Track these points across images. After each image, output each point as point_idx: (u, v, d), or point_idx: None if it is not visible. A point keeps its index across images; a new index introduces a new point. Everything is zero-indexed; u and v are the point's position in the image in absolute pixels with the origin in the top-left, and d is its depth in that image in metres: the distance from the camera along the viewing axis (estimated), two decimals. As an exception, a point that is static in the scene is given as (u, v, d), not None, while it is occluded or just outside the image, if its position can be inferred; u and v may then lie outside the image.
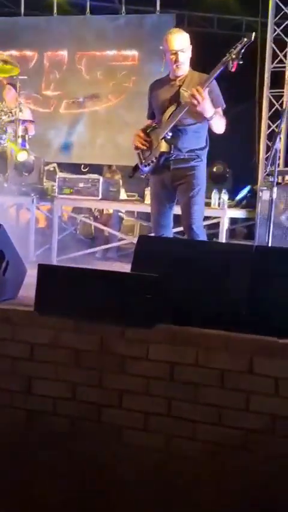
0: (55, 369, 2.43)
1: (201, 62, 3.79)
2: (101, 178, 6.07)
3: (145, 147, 3.73)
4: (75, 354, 2.40)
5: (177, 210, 3.87)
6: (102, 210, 7.26)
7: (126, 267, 2.81)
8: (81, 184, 6.06)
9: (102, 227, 6.85)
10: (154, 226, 3.84)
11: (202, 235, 3.61)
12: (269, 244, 3.63)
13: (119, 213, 7.18)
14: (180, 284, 2.47)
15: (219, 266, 2.49)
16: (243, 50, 3.38)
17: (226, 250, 2.64)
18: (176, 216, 3.93)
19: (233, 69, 3.35)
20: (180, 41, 3.61)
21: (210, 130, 3.74)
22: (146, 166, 3.76)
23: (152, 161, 3.70)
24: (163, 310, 2.39)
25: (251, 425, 2.19)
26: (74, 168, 7.90)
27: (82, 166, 8.42)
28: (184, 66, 3.64)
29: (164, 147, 3.65)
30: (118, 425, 2.35)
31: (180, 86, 3.65)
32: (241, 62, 3.40)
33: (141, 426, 2.33)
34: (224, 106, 3.68)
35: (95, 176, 6.19)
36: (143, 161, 3.77)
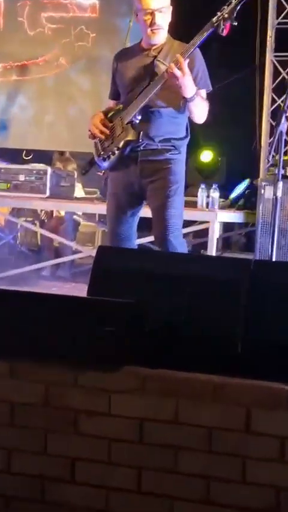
0: (-18, 429, 2.40)
1: (184, 24, 3.83)
2: (49, 169, 6.08)
3: (104, 136, 3.73)
4: (10, 409, 2.37)
5: (146, 212, 3.87)
6: (52, 212, 7.25)
7: (82, 289, 2.82)
8: (22, 177, 6.06)
9: (50, 235, 6.84)
10: (110, 237, 3.83)
11: (181, 248, 3.62)
12: (273, 258, 3.66)
13: (74, 216, 7.18)
14: (154, 312, 2.47)
15: (207, 288, 2.50)
16: (238, 7, 3.44)
17: (216, 267, 2.66)
18: (144, 221, 3.93)
19: (225, 33, 3.41)
20: None
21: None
22: (105, 159, 3.75)
23: (113, 153, 3.70)
24: (130, 348, 2.39)
25: (249, 501, 2.19)
26: (13, 155, 7.89)
27: (24, 152, 8.40)
28: (162, 32, 3.69)
29: (130, 134, 3.66)
30: (70, 506, 2.32)
31: (155, 57, 3.68)
32: (235, 23, 3.46)
33: (101, 506, 2.31)
34: (210, 89, 3.72)
35: (41, 166, 6.18)
36: (102, 153, 3.76)
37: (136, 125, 3.66)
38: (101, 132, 3.74)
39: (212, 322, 2.45)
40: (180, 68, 3.43)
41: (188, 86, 3.48)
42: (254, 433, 2.21)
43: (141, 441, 2.30)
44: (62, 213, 7.13)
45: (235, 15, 3.45)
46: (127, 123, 3.67)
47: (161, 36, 3.69)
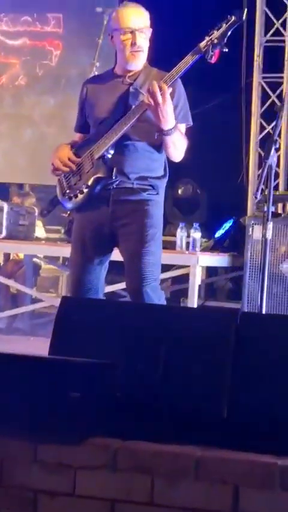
0: None
1: (160, 33, 3.88)
2: (6, 206, 6.10)
3: (71, 171, 3.73)
4: None
5: (118, 254, 3.87)
6: (8, 254, 7.25)
7: (44, 343, 2.81)
8: (-27, 215, 6.06)
9: (7, 282, 6.84)
10: (74, 288, 3.80)
11: (159, 302, 3.61)
12: (263, 309, 3.68)
13: (35, 259, 7.19)
14: (126, 373, 2.47)
15: (186, 345, 2.51)
16: (229, 33, 3.49)
17: (197, 321, 2.66)
18: (115, 264, 3.92)
19: (214, 60, 3.45)
20: (140, 17, 3.69)
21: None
22: (70, 198, 3.75)
23: (81, 191, 3.69)
24: (99, 416, 2.38)
25: None
26: None
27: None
28: (142, 55, 3.70)
29: (101, 170, 3.66)
30: None
31: (130, 85, 3.72)
32: (226, 50, 3.51)
33: None
34: (191, 123, 3.76)
35: (-4, 202, 6.20)
36: (67, 191, 3.76)
37: (108, 160, 3.67)
38: (67, 167, 3.74)
39: (193, 385, 2.45)
40: (162, 95, 3.45)
41: (168, 117, 3.49)
42: (242, 514, 2.20)
43: (112, 526, 2.29)
44: (21, 256, 7.12)
45: (226, 40, 3.49)
46: (98, 158, 3.67)
47: (140, 60, 3.71)
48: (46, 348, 2.73)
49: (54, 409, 2.34)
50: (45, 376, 2.39)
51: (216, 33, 3.48)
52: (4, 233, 5.99)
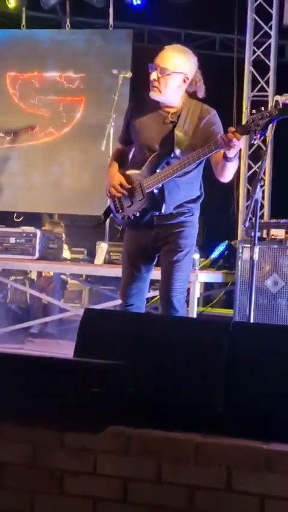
0: None
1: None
2: (39, 232, 6.09)
3: (123, 195, 3.73)
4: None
5: (154, 275, 3.85)
6: (41, 272, 7.24)
7: (70, 346, 2.79)
8: (12, 240, 6.06)
9: (39, 295, 6.82)
10: (122, 292, 3.80)
11: (182, 310, 3.60)
12: (251, 319, 3.65)
13: (62, 276, 7.18)
14: (137, 373, 2.45)
15: (187, 349, 2.49)
16: (270, 124, 3.42)
17: (197, 330, 2.65)
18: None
19: (256, 141, 3.40)
20: (169, 58, 3.57)
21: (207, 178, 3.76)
22: (123, 218, 3.75)
23: (134, 215, 3.70)
24: (115, 409, 2.36)
25: None
26: (4, 217, 7.91)
27: (14, 215, 8.44)
28: (166, 92, 3.59)
29: (149, 203, 3.66)
30: None
31: (174, 125, 3.63)
32: (267, 135, 3.44)
33: None
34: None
35: (31, 229, 6.19)
36: (120, 211, 3.76)
37: (156, 195, 3.66)
38: (121, 194, 3.74)
39: (193, 384, 2.43)
40: (237, 139, 3.37)
41: (236, 150, 3.46)
42: (235, 492, 2.17)
43: (125, 500, 2.26)
44: (51, 273, 7.12)
45: (267, 129, 3.43)
46: (148, 192, 3.67)
47: (155, 94, 3.58)
48: (71, 350, 2.72)
49: (77, 402, 2.33)
50: (71, 374, 2.37)
51: (259, 121, 3.38)
52: (37, 255, 5.98)
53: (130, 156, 3.90)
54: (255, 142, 3.37)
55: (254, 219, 3.81)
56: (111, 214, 3.87)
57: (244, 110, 7.24)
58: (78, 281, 7.57)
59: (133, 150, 3.86)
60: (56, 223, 7.70)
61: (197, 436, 2.28)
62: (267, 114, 3.40)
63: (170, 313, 3.57)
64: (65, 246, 7.19)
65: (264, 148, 6.15)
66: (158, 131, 3.65)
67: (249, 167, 7.23)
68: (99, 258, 5.79)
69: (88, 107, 8.20)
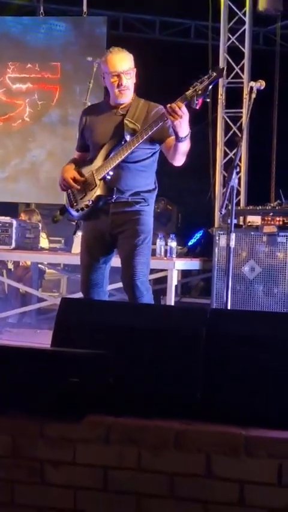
0: None
1: (142, 75, 3.88)
2: (15, 222, 6.05)
3: (77, 188, 3.77)
4: (-22, 461, 2.32)
5: (115, 262, 3.89)
6: (18, 261, 7.21)
7: (48, 335, 2.78)
8: (-12, 230, 6.02)
9: (16, 285, 6.79)
10: (83, 285, 3.84)
11: (147, 293, 3.64)
12: (228, 305, 3.67)
13: (40, 265, 7.14)
14: (115, 362, 2.45)
15: (165, 338, 2.49)
16: (210, 87, 3.48)
17: (174, 317, 2.64)
18: (114, 269, 3.94)
19: (198, 107, 3.43)
20: (125, 61, 3.72)
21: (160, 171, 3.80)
22: (77, 210, 3.80)
23: (87, 206, 3.75)
24: (95, 398, 2.35)
25: None
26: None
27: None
28: (128, 92, 3.75)
29: (103, 189, 3.71)
30: None
31: (123, 116, 3.74)
32: (208, 100, 3.50)
33: None
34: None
35: (6, 219, 6.16)
36: (75, 204, 3.81)
37: (108, 181, 3.71)
38: (75, 186, 3.78)
39: (172, 371, 2.43)
40: (180, 108, 3.43)
41: (185, 127, 3.50)
42: (214, 478, 2.18)
43: (106, 489, 2.26)
44: (28, 263, 7.08)
45: (208, 92, 3.48)
46: (100, 179, 3.71)
47: (127, 96, 3.76)
48: (50, 339, 2.71)
49: (57, 392, 2.32)
50: (49, 364, 2.37)
51: (199, 86, 3.46)
52: (14, 245, 5.96)
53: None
54: (197, 107, 3.40)
55: (230, 205, 3.83)
56: (68, 209, 3.90)
57: (219, 97, 7.24)
58: (56, 270, 7.54)
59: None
60: (32, 212, 7.66)
61: (176, 423, 2.28)
62: (206, 78, 3.48)
63: (136, 297, 3.61)
64: (43, 235, 7.16)
65: (239, 135, 6.16)
66: (109, 125, 3.77)
67: (225, 154, 7.24)
68: (76, 247, 5.77)
69: (63, 95, 8.15)
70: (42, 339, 5.47)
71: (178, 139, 3.53)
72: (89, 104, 6.21)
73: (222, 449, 2.19)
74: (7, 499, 2.30)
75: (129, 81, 3.72)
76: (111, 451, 2.27)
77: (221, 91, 7.23)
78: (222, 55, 7.27)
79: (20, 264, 7.27)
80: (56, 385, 2.32)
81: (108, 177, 3.70)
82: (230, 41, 7.24)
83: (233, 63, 7.25)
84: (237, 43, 7.21)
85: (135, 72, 3.76)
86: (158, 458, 2.23)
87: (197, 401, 2.37)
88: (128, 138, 3.66)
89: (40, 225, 6.71)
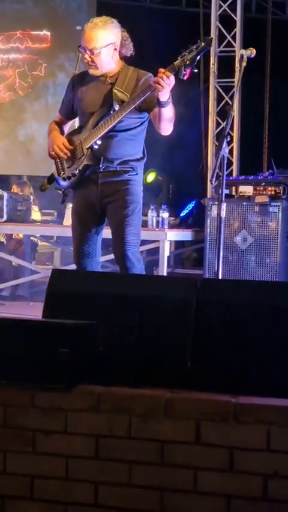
0: None
1: (133, 44, 3.84)
2: (6, 194, 6.04)
3: (66, 156, 3.76)
4: None
5: (106, 233, 3.90)
6: (11, 234, 7.20)
7: (41, 307, 2.80)
8: (-21, 203, 6.00)
9: (9, 257, 6.79)
10: (75, 255, 3.85)
11: (138, 264, 3.65)
12: (219, 274, 3.68)
13: (32, 238, 7.15)
14: (106, 331, 2.46)
15: (155, 307, 2.51)
16: (198, 57, 3.45)
17: (165, 287, 2.65)
18: (105, 241, 3.95)
19: (186, 78, 3.42)
20: (94, 40, 3.67)
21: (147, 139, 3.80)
22: (65, 179, 3.78)
23: (74, 174, 3.73)
24: (85, 368, 2.37)
25: (200, 511, 2.19)
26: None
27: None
28: (103, 66, 3.71)
29: (90, 158, 3.70)
30: (29, 522, 2.30)
31: (112, 85, 3.71)
32: (195, 70, 3.49)
33: (60, 521, 2.29)
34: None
35: (-3, 191, 6.14)
36: (62, 173, 3.79)
37: (96, 150, 3.70)
38: (64, 154, 3.77)
39: (162, 340, 2.46)
40: (168, 77, 3.42)
41: (167, 91, 3.48)
42: (204, 444, 2.21)
43: (97, 457, 2.29)
44: (21, 235, 7.08)
45: (196, 62, 3.46)
46: (87, 148, 3.70)
47: (94, 71, 3.73)
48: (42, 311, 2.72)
49: (47, 362, 2.34)
50: (40, 335, 2.38)
51: (187, 56, 3.44)
52: (5, 217, 5.95)
53: (66, 129, 3.99)
54: (185, 78, 3.39)
55: (221, 175, 3.83)
56: (55, 178, 3.89)
57: (211, 66, 7.18)
58: (48, 243, 7.55)
59: (70, 123, 3.98)
60: (23, 184, 7.64)
61: (166, 391, 2.30)
62: (195, 48, 3.46)
63: (127, 267, 3.62)
64: (35, 208, 7.15)
65: (230, 103, 6.13)
66: (98, 94, 3.76)
67: (218, 124, 7.21)
68: (68, 219, 5.77)
69: (53, 65, 8.09)
70: (35, 311, 5.49)
71: (160, 104, 3.52)
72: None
73: (212, 417, 2.21)
74: (0, 468, 2.33)
75: (97, 58, 3.68)
76: (102, 420, 2.29)
77: (213, 60, 7.18)
78: (214, 23, 7.20)
79: (13, 236, 7.27)
80: (46, 355, 2.33)
81: (96, 146, 3.69)
82: (222, 9, 7.18)
83: (224, 32, 7.19)
84: (229, 11, 7.14)
85: (114, 45, 3.70)
86: (148, 426, 2.25)
87: (187, 370, 2.39)
88: (116, 107, 3.65)
89: (32, 197, 6.70)
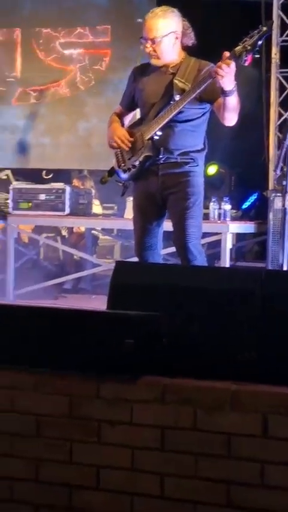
0: (9, 441, 2.39)
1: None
2: (68, 188, 6.09)
3: (126, 148, 3.76)
4: (36, 421, 2.37)
5: (167, 226, 3.89)
6: (72, 228, 7.28)
7: (103, 300, 2.82)
8: (42, 197, 6.08)
9: (71, 250, 6.86)
10: (137, 248, 3.86)
11: (200, 256, 3.64)
12: (284, 266, 3.63)
13: (93, 231, 7.20)
14: (171, 323, 2.46)
15: (220, 299, 2.49)
16: (260, 42, 3.42)
17: (229, 279, 2.63)
18: (166, 234, 3.95)
19: (247, 63, 3.39)
20: (156, 28, 3.67)
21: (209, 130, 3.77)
22: (125, 171, 3.79)
23: (134, 166, 3.74)
24: (150, 359, 2.37)
25: (268, 505, 2.16)
26: (33, 175, 7.92)
27: (44, 172, 8.44)
28: (157, 59, 3.70)
29: (150, 149, 3.69)
30: (95, 512, 2.32)
31: (173, 75, 3.69)
32: (257, 56, 3.46)
33: (126, 511, 2.30)
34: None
35: (60, 185, 6.20)
36: (122, 165, 3.80)
37: (156, 141, 3.69)
38: (125, 145, 3.78)
39: (228, 332, 2.44)
40: (228, 65, 3.40)
41: (230, 80, 3.46)
42: (271, 438, 2.18)
43: (163, 448, 2.29)
44: (82, 229, 7.15)
45: (258, 47, 3.43)
46: (148, 139, 3.70)
47: (156, 61, 3.73)
48: (104, 304, 2.74)
49: (113, 353, 2.35)
50: (105, 326, 2.39)
51: (249, 41, 3.42)
52: (67, 211, 6.01)
53: (127, 122, 3.99)
54: (246, 63, 3.35)
55: (285, 167, 3.77)
56: (116, 171, 3.90)
57: (273, 55, 7.08)
58: (109, 236, 7.59)
59: (131, 115, 4.00)
60: (84, 177, 7.70)
61: (232, 383, 2.28)
62: (256, 33, 3.44)
63: (188, 260, 3.61)
64: (97, 202, 7.20)
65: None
66: (159, 84, 3.76)
67: (280, 115, 7.09)
68: (129, 212, 5.79)
69: (114, 59, 8.11)
70: (97, 304, 5.54)
71: (224, 93, 3.49)
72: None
73: (279, 410, 2.18)
74: (66, 458, 2.35)
75: (157, 48, 3.67)
76: (167, 411, 2.28)
77: (275, 50, 7.06)
78: (276, 12, 7.07)
79: (74, 230, 7.34)
80: (112, 346, 2.34)
81: (156, 137, 3.69)
82: (284, -2, 7.06)
83: (286, 20, 7.06)
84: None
85: (175, 34, 3.69)
86: (214, 419, 2.24)
87: (252, 362, 2.36)
88: (177, 97, 3.64)
89: (93, 191, 6.75)
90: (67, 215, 6.03)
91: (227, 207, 5.75)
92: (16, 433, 2.38)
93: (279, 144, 6.59)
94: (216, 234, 5.67)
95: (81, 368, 2.36)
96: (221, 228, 5.59)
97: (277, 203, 5.44)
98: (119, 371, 2.33)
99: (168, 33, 3.67)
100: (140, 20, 6.44)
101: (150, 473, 2.29)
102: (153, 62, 3.73)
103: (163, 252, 4.27)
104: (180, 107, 3.61)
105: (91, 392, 2.34)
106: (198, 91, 3.55)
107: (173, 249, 4.14)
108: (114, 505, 2.31)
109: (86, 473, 2.34)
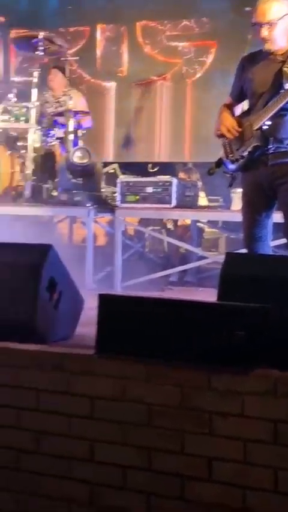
0: (122, 430, 2.42)
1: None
2: (174, 180, 6.09)
3: (232, 136, 3.73)
4: (148, 411, 2.39)
5: (277, 217, 3.82)
6: (177, 220, 7.28)
7: (210, 293, 2.81)
8: (149, 189, 6.10)
9: (177, 243, 6.86)
10: (246, 239, 3.80)
11: None
12: None
13: (198, 224, 7.17)
14: (282, 316, 2.42)
15: None
16: None
17: None
18: (276, 225, 3.87)
19: None
20: (267, 12, 3.61)
21: None
22: (233, 162, 3.75)
23: (243, 156, 3.69)
24: (260, 351, 2.34)
25: None
26: (139, 168, 7.97)
27: (149, 165, 8.49)
28: (270, 43, 3.63)
29: (260, 139, 3.64)
30: (206, 505, 2.30)
31: (283, 63, 3.64)
32: None
33: (238, 505, 2.28)
34: None
35: (166, 178, 6.20)
36: (230, 155, 3.76)
37: (265, 131, 3.65)
38: (232, 134, 3.74)
39: None
40: None
41: None
42: None
43: (276, 442, 2.25)
44: (188, 221, 7.13)
45: None
46: (257, 129, 3.66)
47: (271, 46, 3.66)
48: (211, 297, 2.72)
49: (224, 345, 2.33)
50: (217, 317, 2.38)
51: None
52: (174, 203, 6.00)
53: (237, 113, 3.91)
54: None
55: None
56: (223, 161, 3.85)
57: None
58: (215, 228, 7.53)
59: (241, 106, 3.92)
60: (190, 170, 7.68)
61: None
62: None
63: None
64: (202, 194, 7.16)
65: None
66: (268, 73, 3.68)
67: None
68: (236, 203, 5.72)
69: (220, 50, 8.04)
70: (204, 296, 5.50)
71: None
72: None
73: None
74: (178, 448, 2.36)
75: (272, 32, 3.61)
76: (279, 405, 2.25)
77: None
78: None
79: (179, 223, 7.34)
80: (223, 337, 2.33)
81: (265, 127, 3.63)
82: None
83: None
84: None
85: (285, 19, 3.61)
86: None
87: None
88: (286, 86, 3.57)
89: (199, 183, 6.72)
90: (173, 207, 6.03)
91: None
92: (129, 421, 2.40)
93: None
94: None
95: (193, 359, 2.35)
96: None
97: None
98: (230, 363, 2.31)
99: (283, 16, 3.62)
100: (247, 8, 6.36)
101: (262, 467, 2.26)
102: (267, 46, 3.66)
103: (272, 244, 4.20)
104: (284, 100, 3.53)
105: (202, 383, 2.33)
106: None
107: (283, 241, 4.06)
108: (225, 498, 2.30)
109: (197, 465, 2.34)
